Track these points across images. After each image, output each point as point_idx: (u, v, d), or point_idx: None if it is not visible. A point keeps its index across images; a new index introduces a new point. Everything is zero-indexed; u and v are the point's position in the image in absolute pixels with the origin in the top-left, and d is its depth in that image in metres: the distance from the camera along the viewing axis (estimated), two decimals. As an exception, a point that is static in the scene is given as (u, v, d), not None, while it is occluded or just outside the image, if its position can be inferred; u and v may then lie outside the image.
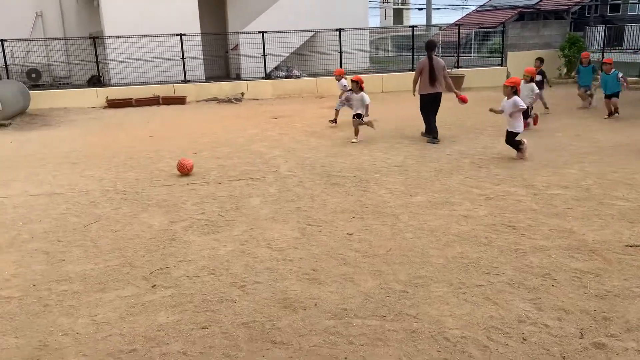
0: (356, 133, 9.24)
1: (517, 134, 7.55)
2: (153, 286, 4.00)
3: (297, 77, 17.75)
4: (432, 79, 8.91)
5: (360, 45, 18.20)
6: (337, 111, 10.98)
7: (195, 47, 16.64)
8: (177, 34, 15.87)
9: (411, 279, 3.99)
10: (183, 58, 16.10)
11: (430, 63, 8.89)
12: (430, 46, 9.07)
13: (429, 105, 9.11)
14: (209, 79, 17.42)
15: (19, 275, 4.25)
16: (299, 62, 18.40)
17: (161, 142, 9.72)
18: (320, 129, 10.70)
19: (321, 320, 3.43)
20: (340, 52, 17.20)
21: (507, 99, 7.49)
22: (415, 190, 6.27)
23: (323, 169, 7.43)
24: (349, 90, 10.07)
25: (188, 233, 5.11)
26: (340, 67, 15.72)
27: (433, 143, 8.87)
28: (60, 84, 17.34)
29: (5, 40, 15.31)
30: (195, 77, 16.47)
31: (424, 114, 9.27)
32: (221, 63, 19.24)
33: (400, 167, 7.39)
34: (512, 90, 7.42)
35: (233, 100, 10.56)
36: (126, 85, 15.77)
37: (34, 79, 16.95)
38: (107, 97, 15.26)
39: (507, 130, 7.62)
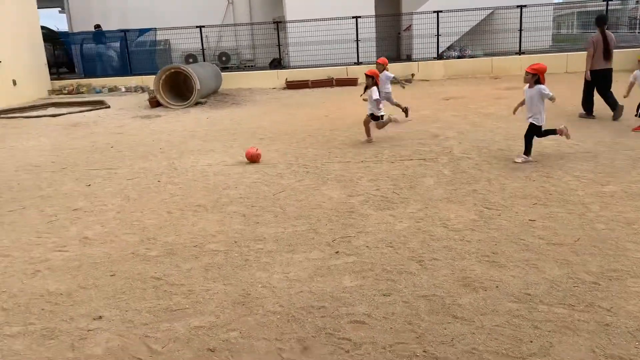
0: (368, 133, 8.28)
1: (538, 126, 6.60)
2: (336, 252, 4.29)
3: (470, 57, 17.16)
4: (607, 54, 8.96)
5: (542, 23, 16.95)
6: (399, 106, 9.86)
7: (369, 29, 16.97)
8: (353, 17, 16.31)
9: (604, 271, 3.73)
10: (357, 40, 16.53)
11: (604, 38, 8.93)
12: (602, 21, 9.21)
13: (602, 81, 9.02)
14: (380, 60, 17.66)
15: (223, 233, 4.86)
16: (473, 42, 17.75)
17: (335, 122, 10.19)
18: (496, 110, 10.27)
19: (503, 302, 3.40)
20: (520, 30, 16.21)
21: (529, 87, 6.58)
22: (607, 179, 5.76)
23: (501, 152, 7.17)
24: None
25: (365, 207, 5.35)
26: (520, 46, 14.83)
27: (615, 118, 8.80)
28: (245, 66, 18.99)
29: (203, 26, 17.16)
30: (367, 59, 16.85)
31: (589, 91, 9.17)
32: (392, 44, 19.36)
33: (589, 154, 6.82)
34: (534, 78, 6.48)
35: (403, 82, 10.61)
36: (303, 68, 16.70)
37: (224, 61, 18.77)
38: (286, 79, 16.34)
39: (530, 124, 6.64)
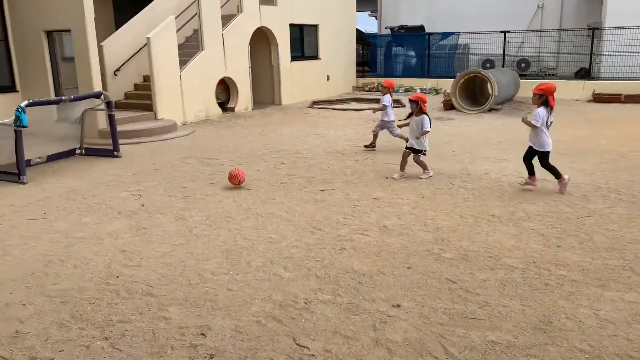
0: (402, 167, 7.17)
1: (546, 153, 6.15)
2: (661, 301, 3.65)
3: None
4: None
5: None
6: (375, 135, 9.03)
7: None
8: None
9: None
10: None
11: None
12: None
13: None
14: None
15: (519, 249, 4.61)
16: None
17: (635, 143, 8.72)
18: None
19: None
20: None
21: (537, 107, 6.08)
22: None
23: None
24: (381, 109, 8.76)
25: (700, 253, 4.41)
26: None
27: None
28: (546, 74, 17.76)
29: (507, 31, 16.63)
30: None
31: None
32: None
33: None
34: (541, 99, 5.99)
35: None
36: (616, 80, 14.79)
37: (523, 68, 17.88)
38: (594, 91, 14.71)
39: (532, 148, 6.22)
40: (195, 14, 12.63)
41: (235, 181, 6.80)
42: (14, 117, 7.19)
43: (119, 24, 12.84)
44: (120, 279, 4.22)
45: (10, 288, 4.09)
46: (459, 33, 18.09)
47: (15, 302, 3.86)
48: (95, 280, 4.19)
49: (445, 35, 18.42)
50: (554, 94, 6.07)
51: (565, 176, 6.24)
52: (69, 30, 10.15)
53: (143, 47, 11.91)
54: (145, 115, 11.26)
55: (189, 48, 12.95)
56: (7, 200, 6.47)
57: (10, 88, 11.39)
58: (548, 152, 6.19)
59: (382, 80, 18.48)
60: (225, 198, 6.37)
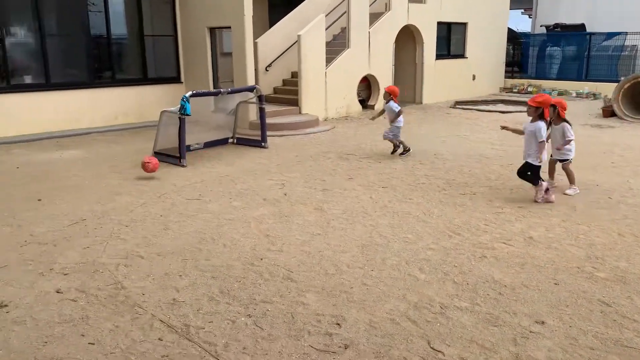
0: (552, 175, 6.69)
1: (536, 167, 5.89)
2: None
3: None
4: None
5: None
6: (398, 143, 8.65)
7: None
8: None
9: None
10: None
11: None
12: None
13: None
14: None
15: (691, 277, 4.08)
16: None
17: None
18: None
19: None
20: None
21: (531, 121, 5.85)
22: None
23: None
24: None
25: None
26: None
27: None
28: None
29: (687, 31, 14.70)
30: None
31: None
32: None
33: None
34: (537, 112, 5.72)
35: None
36: None
37: None
38: None
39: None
40: (345, 12, 12.92)
41: (148, 168, 7.22)
42: (179, 106, 7.96)
43: (272, 23, 13.58)
44: (264, 261, 4.48)
45: (169, 259, 4.55)
46: (626, 33, 16.36)
47: (173, 272, 4.29)
48: (242, 260, 4.50)
49: (610, 35, 16.76)
50: (549, 107, 5.90)
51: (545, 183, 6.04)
52: (229, 27, 10.96)
53: (292, 44, 12.47)
54: (291, 109, 11.79)
55: (336, 46, 13.28)
56: (169, 180, 7.19)
57: (176, 79, 12.61)
58: (539, 167, 5.97)
59: (534, 81, 17.50)
60: (362, 194, 6.46)
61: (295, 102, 11.92)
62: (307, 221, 5.48)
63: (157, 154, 8.37)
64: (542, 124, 5.80)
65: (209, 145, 9.30)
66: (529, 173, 6.05)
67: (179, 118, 7.98)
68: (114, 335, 3.36)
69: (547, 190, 6.01)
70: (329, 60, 12.33)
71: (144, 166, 7.28)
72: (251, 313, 3.62)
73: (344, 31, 13.21)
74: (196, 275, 4.23)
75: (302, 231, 5.20)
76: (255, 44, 11.22)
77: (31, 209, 5.92)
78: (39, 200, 6.27)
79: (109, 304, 3.76)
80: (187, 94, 7.98)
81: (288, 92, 12.46)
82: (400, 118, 8.40)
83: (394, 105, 8.42)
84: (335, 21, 13.62)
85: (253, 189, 6.74)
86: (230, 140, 9.79)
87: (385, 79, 13.84)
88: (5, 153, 8.96)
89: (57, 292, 3.93)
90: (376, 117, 9.26)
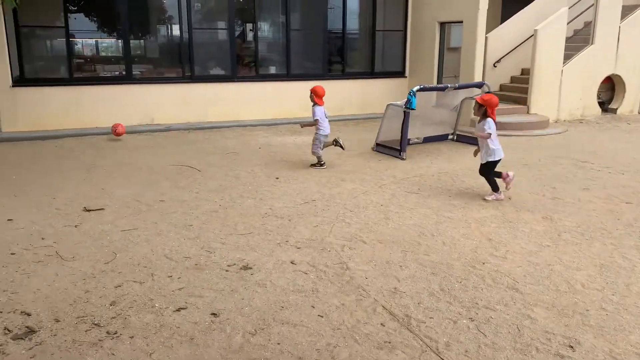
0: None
1: (487, 164, 5.96)
2: None
3: None
4: None
5: None
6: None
7: None
8: None
9: None
10: None
11: None
12: None
13: None
14: None
15: None
16: None
17: None
18: None
19: None
20: None
21: (478, 120, 6.01)
22: None
23: None
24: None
25: None
26: None
27: None
28: None
29: None
30: None
31: None
32: None
33: None
34: (481, 110, 5.87)
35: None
36: None
37: None
38: None
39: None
40: (592, 5, 11.63)
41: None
42: (405, 100, 8.08)
43: (504, 17, 12.90)
44: (486, 265, 4.30)
45: (390, 248, 4.66)
46: None
47: (394, 262, 4.38)
48: (462, 261, 4.39)
49: None
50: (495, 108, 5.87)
51: (503, 195, 6.05)
52: (461, 22, 10.73)
53: (525, 40, 11.68)
54: (518, 108, 11.10)
55: (576, 41, 12.06)
56: (389, 172, 7.37)
57: (400, 74, 12.84)
58: (495, 162, 6.01)
59: None
60: (600, 207, 5.77)
61: (523, 101, 11.18)
62: (535, 230, 5.10)
63: (379, 145, 8.65)
64: (489, 120, 5.86)
65: (428, 140, 9.27)
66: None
67: (404, 112, 8.11)
68: (340, 312, 3.56)
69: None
70: (567, 57, 11.27)
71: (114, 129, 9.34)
72: (473, 317, 3.50)
73: (588, 25, 11.92)
74: (416, 268, 4.26)
75: (529, 240, 4.86)
76: (485, 39, 10.80)
77: (270, 186, 6.63)
78: (277, 178, 6.97)
79: (336, 281, 4.01)
80: (415, 88, 8.05)
81: (516, 90, 11.75)
82: (322, 124, 7.26)
83: (315, 112, 7.28)
84: (579, 15, 12.37)
85: (473, 188, 6.52)
86: (450, 137, 9.63)
87: (633, 80, 12.14)
88: (250, 134, 10.19)
89: (292, 263, 4.33)
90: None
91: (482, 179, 6.29)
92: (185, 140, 9.45)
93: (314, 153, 7.55)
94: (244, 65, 11.87)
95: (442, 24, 11.69)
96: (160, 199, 6.02)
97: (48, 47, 10.78)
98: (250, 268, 4.23)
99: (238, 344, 3.18)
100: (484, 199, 6.08)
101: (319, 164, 7.55)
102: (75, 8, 10.69)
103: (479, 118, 6.05)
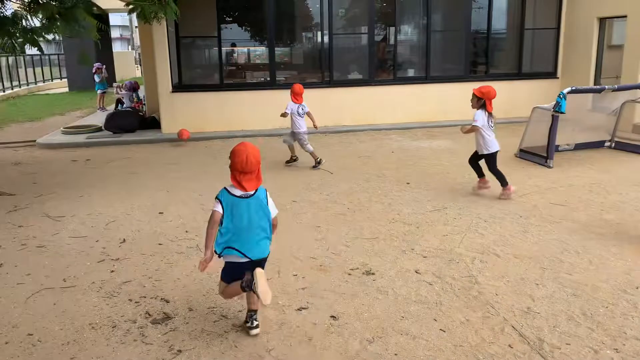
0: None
1: (486, 157, 6.04)
2: None
3: None
4: None
5: None
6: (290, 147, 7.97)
7: None
8: None
9: None
10: None
11: None
12: None
13: None
14: None
15: None
16: None
17: None
18: None
19: None
20: None
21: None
22: None
23: None
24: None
25: None
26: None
27: None
28: None
29: None
30: None
31: None
32: None
33: None
34: (479, 102, 5.88)
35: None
36: None
37: None
38: None
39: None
40: None
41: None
42: (553, 103, 7.43)
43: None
44: (641, 291, 3.77)
45: (526, 264, 4.29)
46: None
47: (530, 279, 4.02)
48: (611, 284, 3.89)
49: None
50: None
51: (512, 187, 6.02)
52: (625, 17, 9.62)
53: None
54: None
55: None
56: (532, 180, 6.83)
57: (551, 74, 11.88)
58: (494, 153, 6.00)
59: None
60: None
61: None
62: None
63: (522, 151, 8.08)
64: (477, 112, 5.91)
65: (581, 147, 8.44)
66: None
67: (552, 116, 7.46)
68: (464, 328, 3.35)
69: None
70: None
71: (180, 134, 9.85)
72: (619, 348, 3.08)
73: None
74: (554, 287, 3.87)
75: (699, 265, 4.16)
76: (655, 34, 9.57)
77: (400, 190, 6.50)
78: (407, 183, 6.83)
79: (462, 295, 3.78)
80: (565, 90, 7.37)
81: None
82: (295, 120, 7.67)
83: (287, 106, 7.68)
84: None
85: (632, 201, 5.78)
86: (607, 144, 8.67)
87: None
88: (384, 138, 10.14)
89: (416, 272, 4.18)
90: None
91: (643, 192, 5.56)
92: (321, 144, 9.68)
93: (308, 152, 7.79)
94: (381, 69, 11.85)
95: (602, 20, 10.59)
96: (293, 200, 6.21)
97: (203, 56, 11.76)
98: (373, 274, 4.17)
99: (354, 350, 3.14)
100: (499, 198, 6.03)
101: (316, 162, 7.73)
102: (230, 19, 11.54)
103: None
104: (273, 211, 3.31)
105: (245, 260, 3.21)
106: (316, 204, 6.06)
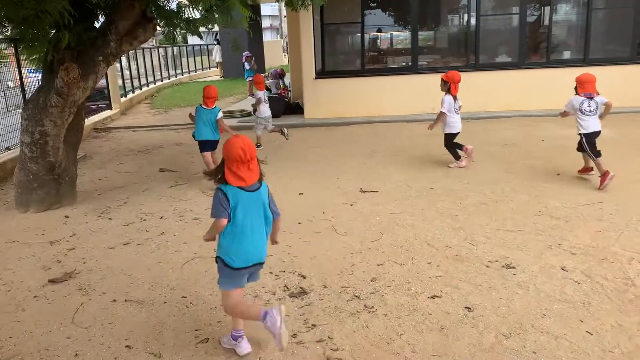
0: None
1: (446, 136, 6.80)
2: None
3: None
4: None
5: None
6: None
7: None
8: None
9: None
10: None
11: None
12: None
13: None
14: None
15: None
16: None
17: None
18: None
19: None
20: None
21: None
22: None
23: None
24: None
25: None
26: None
27: None
28: None
29: None
30: None
31: None
32: None
33: None
34: (446, 86, 6.66)
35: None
36: None
37: None
38: None
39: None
40: None
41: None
42: None
43: None
44: None
45: (698, 270, 3.76)
46: None
47: (702, 287, 3.53)
48: None
49: None
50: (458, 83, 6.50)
51: (464, 161, 6.73)
52: None
53: None
54: None
55: None
56: None
57: None
58: (455, 134, 6.71)
59: None
60: None
61: None
62: None
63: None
64: (445, 98, 6.62)
65: None
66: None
67: None
68: (615, 333, 3.05)
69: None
70: None
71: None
72: None
73: None
74: None
75: None
76: None
77: (549, 182, 6.06)
78: (558, 174, 6.33)
79: (615, 298, 3.44)
80: None
81: None
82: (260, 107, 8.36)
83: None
84: None
85: None
86: None
87: None
88: (533, 125, 9.47)
89: (562, 269, 3.88)
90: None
91: None
92: (463, 130, 9.32)
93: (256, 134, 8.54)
94: (533, 51, 11.04)
95: None
96: (430, 187, 6.10)
97: (345, 42, 11.93)
98: (514, 267, 3.95)
99: (489, 344, 3.02)
100: (448, 166, 6.77)
101: (257, 145, 8.19)
102: (374, 4, 11.55)
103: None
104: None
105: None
106: (454, 192, 5.88)
